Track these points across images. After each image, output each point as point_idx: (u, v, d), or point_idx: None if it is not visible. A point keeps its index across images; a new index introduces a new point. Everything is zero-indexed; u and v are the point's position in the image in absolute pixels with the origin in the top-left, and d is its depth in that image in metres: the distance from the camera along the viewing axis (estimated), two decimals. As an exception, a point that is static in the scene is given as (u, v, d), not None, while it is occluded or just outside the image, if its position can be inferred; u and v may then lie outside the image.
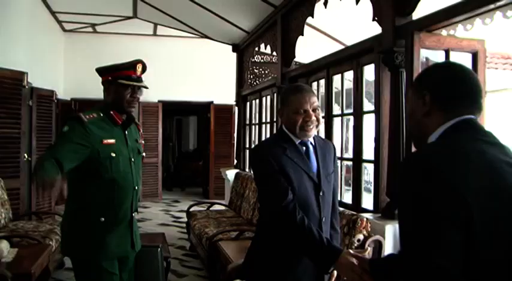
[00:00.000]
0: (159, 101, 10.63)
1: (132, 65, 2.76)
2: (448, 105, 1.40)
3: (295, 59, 5.55)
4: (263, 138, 7.00)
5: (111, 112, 2.74)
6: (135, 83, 2.74)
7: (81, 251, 2.69)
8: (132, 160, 2.81)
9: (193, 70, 10.67)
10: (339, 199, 4.37)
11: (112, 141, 2.68)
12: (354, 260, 1.89)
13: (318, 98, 4.87)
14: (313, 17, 4.87)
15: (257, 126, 7.35)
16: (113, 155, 2.66)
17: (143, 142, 3.07)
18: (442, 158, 1.23)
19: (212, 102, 10.91)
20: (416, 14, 3.27)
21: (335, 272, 2.04)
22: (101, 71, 2.81)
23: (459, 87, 1.40)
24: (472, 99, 1.40)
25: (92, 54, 10.06)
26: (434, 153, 1.28)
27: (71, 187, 2.69)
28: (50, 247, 4.40)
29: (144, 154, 3.01)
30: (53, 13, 8.83)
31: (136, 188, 2.83)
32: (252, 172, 2.40)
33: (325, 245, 2.03)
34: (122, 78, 2.71)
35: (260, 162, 2.24)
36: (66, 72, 9.94)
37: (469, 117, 1.38)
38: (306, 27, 5.11)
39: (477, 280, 1.20)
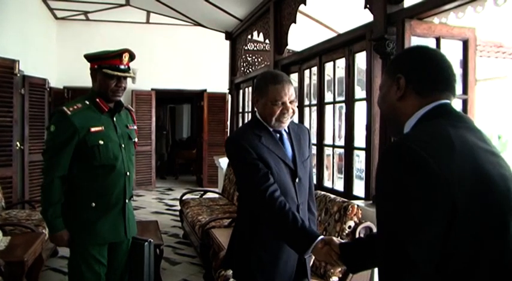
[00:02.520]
0: (152, 89, 10.60)
1: (118, 54, 2.75)
2: (423, 89, 1.36)
3: (288, 47, 5.54)
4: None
5: (97, 100, 2.76)
6: (119, 74, 2.74)
7: (72, 235, 2.72)
8: (123, 145, 2.84)
9: (187, 58, 10.64)
10: (331, 186, 4.41)
11: (100, 128, 2.72)
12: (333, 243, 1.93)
13: (310, 87, 4.89)
14: (305, 5, 4.86)
15: (250, 114, 7.35)
16: (101, 142, 2.70)
17: (136, 127, 3.08)
18: (425, 147, 1.17)
19: (205, 90, 10.89)
20: (408, 2, 3.27)
21: (313, 256, 2.07)
22: (88, 58, 2.81)
23: (434, 70, 1.37)
24: (447, 84, 1.37)
25: (85, 42, 9.97)
26: (417, 141, 1.21)
27: None
28: (43, 235, 4.40)
29: (136, 139, 3.02)
30: (44, 0, 8.74)
31: (128, 174, 2.85)
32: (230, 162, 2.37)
33: (304, 229, 2.04)
34: (107, 67, 2.72)
35: (237, 151, 2.22)
36: (58, 60, 9.87)
37: (445, 102, 1.35)
38: (298, 14, 5.10)
39: (454, 273, 1.17)
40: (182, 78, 10.71)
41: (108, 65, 2.71)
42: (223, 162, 7.48)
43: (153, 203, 9.08)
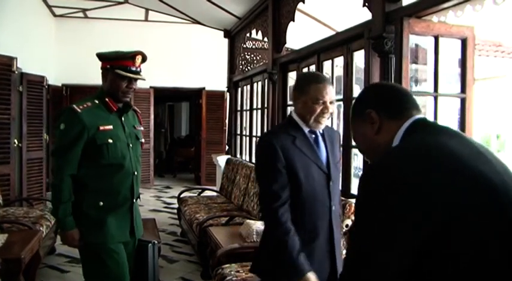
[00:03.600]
0: (150, 87, 10.57)
1: (132, 56, 2.74)
2: (395, 112, 1.37)
3: (286, 45, 5.54)
4: (254, 124, 7.00)
5: (107, 99, 2.74)
6: (131, 75, 2.72)
7: (82, 234, 2.68)
8: (130, 145, 2.82)
9: (185, 56, 10.62)
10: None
11: (109, 127, 2.70)
12: None
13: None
14: (304, 3, 4.86)
15: (248, 112, 7.35)
16: (110, 141, 2.68)
17: (142, 128, 3.08)
18: (405, 164, 1.15)
19: (204, 88, 10.87)
20: (407, 0, 3.27)
21: None
22: (100, 57, 2.80)
23: (396, 93, 1.43)
24: (411, 102, 1.39)
25: (83, 39, 9.98)
26: (396, 159, 1.20)
27: None
28: (40, 232, 4.40)
29: (143, 140, 3.02)
30: (42, -3, 8.74)
31: (135, 173, 2.84)
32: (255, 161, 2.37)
33: (297, 261, 2.07)
34: (119, 68, 2.69)
35: (266, 153, 2.21)
36: (57, 57, 9.83)
37: (421, 117, 1.36)
38: (297, 12, 5.09)
39: None
40: (181, 76, 10.69)
41: (120, 66, 2.70)
42: (222, 160, 7.47)
43: (151, 201, 9.07)
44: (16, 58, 6.37)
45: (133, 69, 2.74)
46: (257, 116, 6.88)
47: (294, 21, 5.14)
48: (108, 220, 2.70)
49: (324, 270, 2.26)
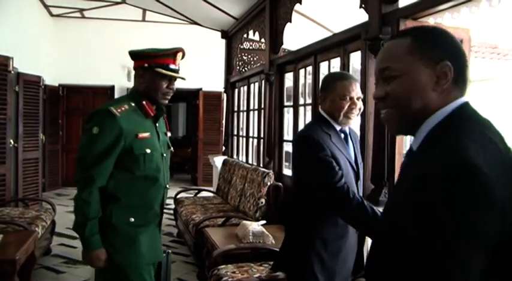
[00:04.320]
0: (147, 88, 10.57)
1: (173, 53, 2.50)
2: (463, 81, 1.14)
3: (283, 46, 5.54)
4: (251, 125, 7.00)
5: (143, 102, 2.46)
6: (174, 74, 2.49)
7: (109, 254, 2.39)
8: (164, 155, 2.57)
9: (182, 57, 10.59)
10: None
11: (147, 135, 2.43)
12: None
13: (306, 86, 4.90)
14: (301, 4, 4.86)
15: (245, 113, 7.34)
16: (148, 150, 2.41)
17: (170, 134, 2.83)
18: (492, 173, 0.93)
19: (201, 89, 10.87)
20: (403, 2, 3.27)
21: None
22: (135, 55, 2.51)
23: (465, 56, 1.16)
24: (469, 76, 1.18)
25: (80, 39, 9.99)
26: (483, 163, 0.94)
27: None
28: (36, 233, 4.38)
29: (172, 148, 2.77)
30: (39, -3, 8.73)
31: (167, 186, 2.60)
32: (297, 161, 2.37)
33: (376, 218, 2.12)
34: (160, 66, 2.43)
35: (313, 146, 2.21)
36: (53, 58, 9.82)
37: (467, 101, 1.15)
38: (294, 13, 5.10)
39: None
40: (178, 77, 10.67)
41: (160, 64, 2.44)
42: (218, 161, 7.46)
43: (147, 202, 9.04)
44: (12, 58, 6.36)
45: (174, 67, 2.50)
46: (254, 117, 6.88)
47: (291, 22, 5.14)
48: (140, 239, 2.42)
49: (351, 263, 2.34)
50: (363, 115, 3.55)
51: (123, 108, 2.35)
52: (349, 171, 2.27)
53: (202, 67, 10.59)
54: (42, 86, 7.81)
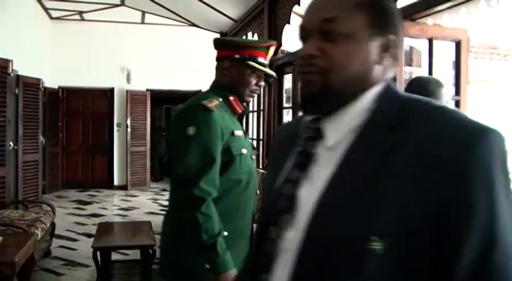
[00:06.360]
0: (147, 90, 10.59)
1: (267, 46, 2.20)
2: (396, 60, 0.99)
3: (282, 48, 5.54)
4: (250, 126, 6.99)
5: (231, 98, 2.16)
6: (268, 71, 2.18)
7: (198, 273, 1.94)
8: (253, 157, 2.24)
9: (182, 58, 10.62)
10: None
11: (241, 133, 2.12)
12: None
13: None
14: (299, 5, 4.86)
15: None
16: (244, 151, 2.08)
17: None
18: None
19: (201, 90, 10.83)
20: (401, 3, 3.27)
21: None
22: (224, 43, 2.24)
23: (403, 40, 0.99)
24: None
25: (80, 42, 10.01)
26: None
27: None
28: (35, 235, 4.38)
29: (256, 150, 2.42)
30: (39, 0, 8.72)
31: (257, 193, 2.27)
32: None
33: None
34: (253, 60, 2.13)
35: None
36: (53, 60, 9.83)
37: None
38: (292, 15, 5.10)
39: None
40: (177, 79, 10.69)
41: (253, 57, 2.13)
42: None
43: (147, 204, 9.05)
44: (12, 60, 6.35)
45: (265, 62, 2.18)
46: (253, 118, 6.87)
47: (289, 23, 5.14)
48: (233, 258, 1.94)
49: None
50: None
51: (214, 103, 2.01)
52: None
53: (201, 69, 10.59)
54: (42, 89, 7.81)
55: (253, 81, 2.16)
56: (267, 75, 2.21)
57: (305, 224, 0.89)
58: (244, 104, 2.24)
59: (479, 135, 0.79)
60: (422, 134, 0.82)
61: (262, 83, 2.21)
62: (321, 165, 0.94)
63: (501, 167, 0.78)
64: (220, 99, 2.08)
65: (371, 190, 0.82)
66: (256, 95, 2.29)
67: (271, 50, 2.21)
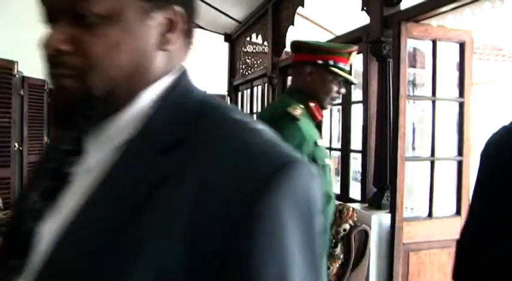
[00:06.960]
0: (151, 91, 10.60)
1: (350, 51, 2.08)
2: (191, 33, 0.81)
3: (286, 49, 5.55)
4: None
5: (312, 104, 2.03)
6: (351, 78, 2.10)
7: None
8: (331, 167, 2.12)
9: (186, 60, 10.61)
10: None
11: (323, 142, 2.03)
12: None
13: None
14: (303, 7, 4.86)
15: (247, 116, 7.33)
16: (327, 161, 1.98)
17: None
18: None
19: (204, 92, 10.87)
20: (405, 4, 3.27)
21: None
22: (305, 47, 2.12)
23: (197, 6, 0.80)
24: None
25: (84, 43, 10.01)
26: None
27: None
28: (40, 236, 4.39)
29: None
30: (44, 2, 8.76)
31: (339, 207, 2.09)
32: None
33: None
34: (336, 66, 2.02)
35: None
36: (58, 61, 9.84)
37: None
38: (296, 16, 5.10)
39: None
40: (181, 80, 10.69)
41: (336, 63, 2.02)
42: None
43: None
44: (17, 62, 6.38)
45: (347, 68, 2.09)
46: (257, 120, 6.88)
47: (293, 25, 5.14)
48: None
49: None
50: (365, 117, 3.56)
51: (299, 111, 1.92)
52: None
53: (205, 70, 10.60)
54: (47, 90, 7.82)
55: (335, 88, 2.06)
56: (346, 81, 2.10)
57: (35, 275, 0.62)
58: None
59: (276, 173, 0.57)
60: (205, 162, 0.59)
61: (343, 90, 2.13)
62: (75, 191, 0.66)
63: (300, 212, 0.58)
64: (302, 106, 1.97)
65: (125, 234, 0.57)
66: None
67: (353, 55, 2.12)
